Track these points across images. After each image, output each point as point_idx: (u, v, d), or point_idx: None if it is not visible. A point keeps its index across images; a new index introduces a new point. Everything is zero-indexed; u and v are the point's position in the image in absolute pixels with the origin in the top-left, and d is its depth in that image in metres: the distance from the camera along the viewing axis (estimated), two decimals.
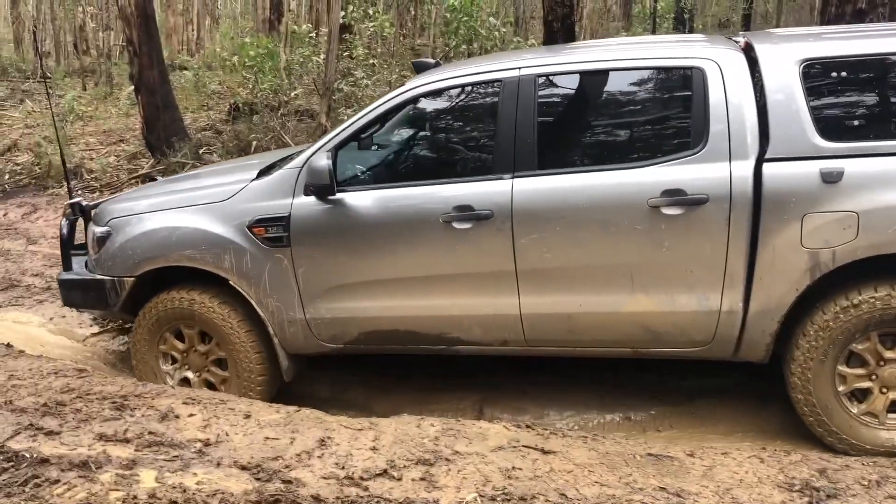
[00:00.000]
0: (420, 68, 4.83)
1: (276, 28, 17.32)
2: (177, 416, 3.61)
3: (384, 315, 4.09)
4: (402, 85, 4.26)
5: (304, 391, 4.63)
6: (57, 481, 3.01)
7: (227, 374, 4.35)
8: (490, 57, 6.01)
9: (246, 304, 4.25)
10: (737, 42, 3.96)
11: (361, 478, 3.09)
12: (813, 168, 3.43)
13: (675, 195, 3.57)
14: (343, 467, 3.18)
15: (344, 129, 4.14)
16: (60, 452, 3.22)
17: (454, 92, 4.22)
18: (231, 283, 4.22)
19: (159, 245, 4.31)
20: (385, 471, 3.15)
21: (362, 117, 4.13)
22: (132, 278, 4.37)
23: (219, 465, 3.19)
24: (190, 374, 4.44)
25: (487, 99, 4.10)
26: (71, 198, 5.02)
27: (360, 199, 4.02)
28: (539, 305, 3.86)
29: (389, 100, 4.14)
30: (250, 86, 11.18)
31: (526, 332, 3.93)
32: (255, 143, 9.37)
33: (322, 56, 10.40)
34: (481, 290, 3.91)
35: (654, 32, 12.02)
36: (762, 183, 3.48)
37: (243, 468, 3.16)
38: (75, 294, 4.70)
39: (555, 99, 4.05)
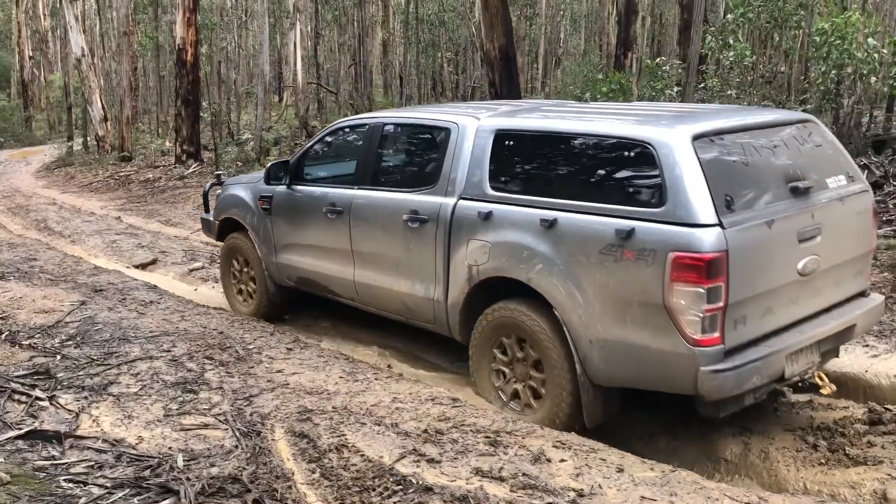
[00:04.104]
0: None
1: (621, 63, 17.32)
2: (548, 460, 3.54)
3: (301, 267, 6.15)
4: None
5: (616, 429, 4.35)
6: None
7: (256, 287, 6.74)
8: (392, 109, 7.94)
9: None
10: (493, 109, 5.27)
11: None
12: (478, 207, 4.68)
13: (414, 214, 5.04)
14: None
15: (302, 149, 6.34)
16: (442, 483, 3.31)
17: (351, 129, 6.19)
18: (248, 233, 6.61)
19: (226, 204, 6.94)
20: None
21: (310, 142, 6.32)
22: (218, 222, 7.06)
23: None
24: (241, 286, 6.99)
25: (361, 135, 5.92)
26: (217, 170, 7.54)
27: (300, 191, 6.10)
28: (361, 276, 5.57)
29: (322, 133, 6.32)
30: None
31: (358, 293, 5.68)
32: None
33: (676, 89, 10.07)
34: (339, 260, 5.73)
35: None
36: (455, 214, 4.79)
37: None
38: (204, 226, 7.60)
39: (387, 141, 5.73)
